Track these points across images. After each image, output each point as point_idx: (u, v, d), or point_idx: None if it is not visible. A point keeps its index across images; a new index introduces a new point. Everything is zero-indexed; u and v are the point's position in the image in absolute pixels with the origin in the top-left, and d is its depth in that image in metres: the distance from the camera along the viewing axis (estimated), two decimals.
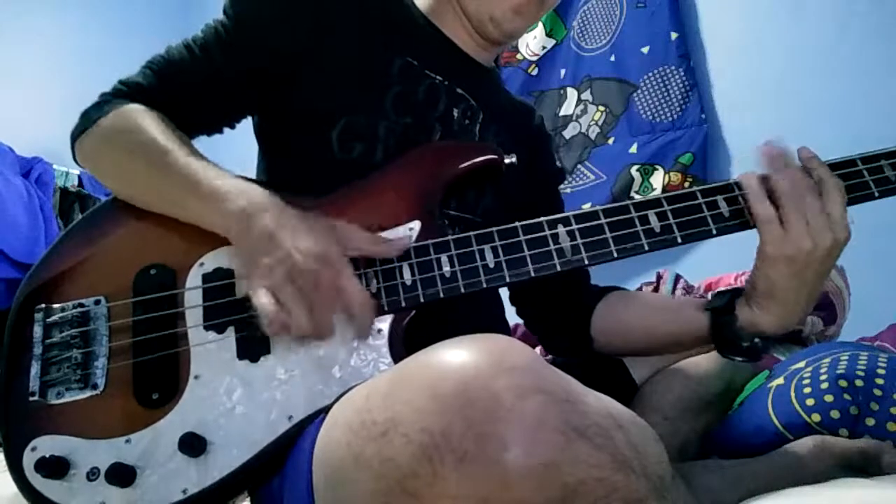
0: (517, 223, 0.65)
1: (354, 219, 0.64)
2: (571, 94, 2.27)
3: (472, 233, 0.64)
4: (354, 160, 0.72)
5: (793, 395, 0.73)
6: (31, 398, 0.59)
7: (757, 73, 1.89)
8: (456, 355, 0.42)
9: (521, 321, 0.95)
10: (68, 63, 2.98)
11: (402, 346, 0.61)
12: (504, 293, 0.90)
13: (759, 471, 0.66)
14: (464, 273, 0.63)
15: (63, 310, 0.62)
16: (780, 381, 0.78)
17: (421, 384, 0.42)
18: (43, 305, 0.62)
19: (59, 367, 0.60)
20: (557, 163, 1.01)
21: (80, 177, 2.70)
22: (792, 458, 0.67)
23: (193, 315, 0.62)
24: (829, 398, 0.70)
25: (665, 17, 2.04)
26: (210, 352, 0.60)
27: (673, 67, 2.02)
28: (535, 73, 2.38)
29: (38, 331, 0.61)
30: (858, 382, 0.70)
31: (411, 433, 0.39)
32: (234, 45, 0.73)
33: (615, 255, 0.63)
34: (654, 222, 0.64)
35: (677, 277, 1.46)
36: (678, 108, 2.01)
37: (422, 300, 0.62)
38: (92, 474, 0.56)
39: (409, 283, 0.62)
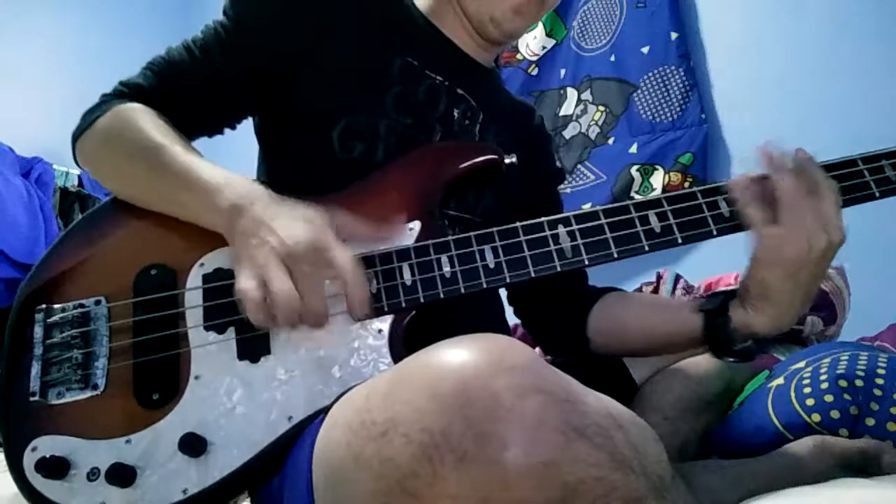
0: (517, 223, 0.65)
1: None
2: (571, 94, 2.27)
3: (472, 233, 0.64)
4: (355, 160, 0.72)
5: (793, 395, 0.73)
6: (31, 398, 0.59)
7: (757, 73, 1.89)
8: (456, 355, 0.42)
9: (520, 321, 0.95)
10: (68, 63, 2.98)
11: (402, 346, 0.61)
12: (503, 293, 0.90)
13: (759, 471, 0.66)
14: (464, 273, 0.63)
15: (63, 310, 0.62)
16: (780, 381, 0.78)
17: (421, 384, 0.42)
18: (43, 306, 0.62)
19: (59, 368, 0.60)
20: (557, 163, 1.01)
21: (80, 177, 2.70)
22: (792, 458, 0.67)
23: (194, 315, 0.62)
24: (829, 398, 0.70)
25: (665, 17, 2.04)
26: (210, 352, 0.60)
27: (673, 67, 2.02)
28: (535, 73, 2.38)
29: (38, 331, 0.61)
30: (858, 382, 0.70)
31: (411, 433, 0.39)
32: (234, 45, 0.73)
33: (615, 255, 0.63)
34: (655, 222, 0.64)
35: (677, 277, 1.46)
36: (678, 108, 2.01)
37: (422, 301, 0.62)
38: (92, 474, 0.56)
39: (409, 283, 0.62)
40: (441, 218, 0.72)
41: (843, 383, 0.71)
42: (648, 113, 2.07)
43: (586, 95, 2.23)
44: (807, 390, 0.72)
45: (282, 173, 0.78)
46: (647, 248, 0.64)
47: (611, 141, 2.15)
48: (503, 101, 0.92)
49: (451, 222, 0.76)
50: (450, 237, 0.64)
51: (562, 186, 1.02)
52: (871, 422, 0.68)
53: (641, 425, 0.43)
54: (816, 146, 0.65)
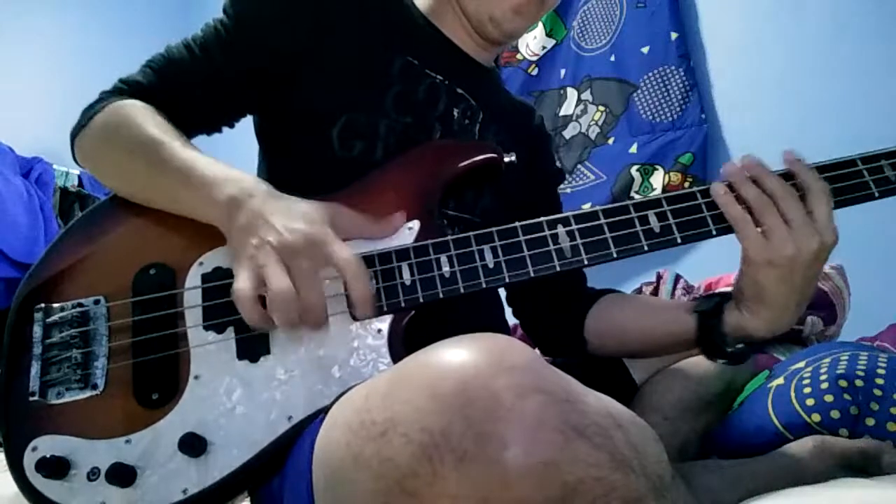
0: (517, 223, 0.64)
1: None
2: (571, 94, 2.27)
3: (471, 233, 0.64)
4: (355, 158, 0.72)
5: (793, 395, 0.73)
6: (31, 398, 0.59)
7: (757, 73, 1.89)
8: (455, 354, 0.42)
9: (518, 322, 0.95)
10: (68, 63, 2.98)
11: (402, 346, 0.61)
12: (502, 294, 0.90)
13: (759, 471, 0.66)
14: (463, 273, 0.63)
15: (63, 309, 0.62)
16: (780, 381, 0.78)
17: (420, 384, 0.42)
18: (42, 305, 0.62)
19: (58, 367, 0.60)
20: (557, 163, 1.01)
21: (80, 177, 2.71)
22: (792, 458, 0.67)
23: (193, 315, 0.62)
24: (829, 398, 0.70)
25: (665, 17, 2.04)
26: (210, 352, 0.60)
27: (673, 67, 2.02)
28: (535, 73, 2.38)
29: (37, 331, 0.61)
30: (858, 382, 0.70)
31: (411, 433, 0.39)
32: (234, 44, 0.73)
33: (615, 255, 0.63)
34: (654, 223, 0.64)
35: (677, 277, 1.46)
36: (678, 108, 2.01)
37: (421, 301, 0.62)
38: (92, 474, 0.56)
39: (408, 283, 0.62)
40: (440, 217, 0.72)
41: (843, 383, 0.71)
42: (648, 113, 2.07)
43: (586, 95, 2.23)
44: (807, 390, 0.72)
45: (281, 172, 0.78)
46: (646, 248, 0.63)
47: (611, 141, 2.15)
48: (503, 100, 0.92)
49: (451, 222, 0.76)
50: (449, 237, 0.64)
51: (562, 186, 1.02)
52: (871, 422, 0.68)
53: (641, 425, 0.43)
54: (816, 146, 0.65)
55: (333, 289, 0.59)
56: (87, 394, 0.59)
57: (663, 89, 2.03)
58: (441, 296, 0.62)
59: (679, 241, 0.64)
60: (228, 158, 0.65)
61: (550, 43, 2.35)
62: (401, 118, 0.74)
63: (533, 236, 0.64)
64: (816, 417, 0.69)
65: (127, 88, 0.73)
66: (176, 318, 0.62)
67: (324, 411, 0.54)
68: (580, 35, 2.27)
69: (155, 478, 0.56)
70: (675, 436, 0.79)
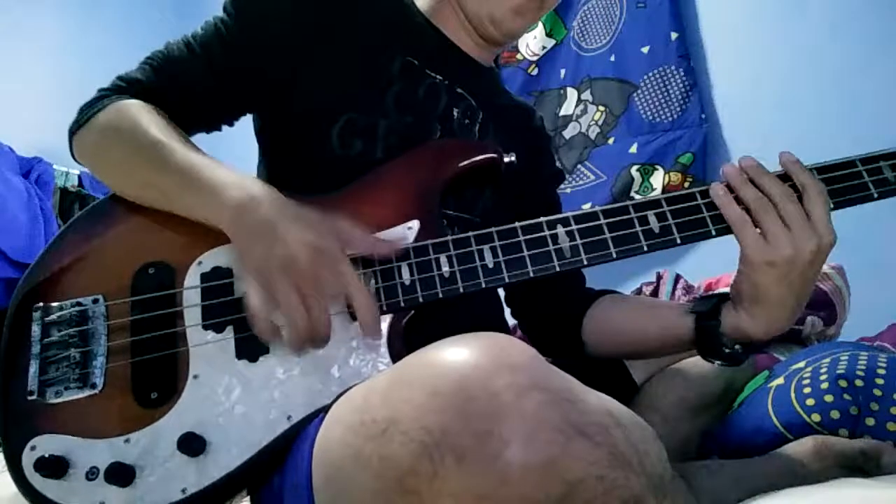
0: (516, 224, 0.64)
1: (354, 217, 0.64)
2: (571, 94, 2.27)
3: (471, 233, 0.64)
4: (355, 158, 0.72)
5: (793, 395, 0.73)
6: (29, 397, 0.59)
7: (757, 73, 1.89)
8: (455, 353, 0.42)
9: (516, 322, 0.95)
10: (68, 63, 2.98)
11: (402, 345, 0.61)
12: (501, 294, 0.90)
13: (759, 471, 0.66)
14: (463, 273, 0.63)
15: (61, 308, 0.62)
16: (780, 381, 0.78)
17: (420, 382, 0.42)
18: (41, 304, 0.62)
19: (57, 367, 0.60)
20: (557, 163, 1.01)
21: (80, 177, 2.70)
22: (792, 458, 0.66)
23: (192, 314, 0.62)
24: (829, 398, 0.70)
25: (665, 17, 2.04)
26: (209, 351, 0.60)
27: (673, 67, 2.02)
28: (535, 73, 2.38)
29: (36, 330, 0.61)
30: (858, 382, 0.70)
31: (411, 431, 0.39)
32: (234, 42, 0.73)
33: (614, 255, 0.63)
34: (654, 223, 0.64)
35: (677, 277, 1.46)
36: (678, 108, 2.01)
37: (421, 300, 0.62)
38: (91, 474, 0.56)
39: (407, 283, 0.62)
40: (440, 217, 0.72)
41: (843, 383, 0.71)
42: (648, 113, 2.07)
43: (586, 95, 2.23)
44: (807, 390, 0.72)
45: (281, 171, 0.78)
46: (645, 249, 0.63)
47: (611, 141, 2.15)
48: (503, 100, 0.92)
49: (450, 222, 0.76)
50: (449, 237, 0.64)
51: (562, 186, 1.02)
52: (871, 422, 0.68)
53: (641, 425, 0.43)
54: (816, 146, 0.65)
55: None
56: (86, 393, 0.59)
57: (663, 89, 2.03)
58: (440, 296, 0.62)
59: (678, 241, 0.64)
60: (228, 158, 0.64)
61: (550, 43, 2.35)
62: (401, 118, 0.74)
63: (532, 236, 0.64)
64: (816, 417, 0.69)
65: (126, 86, 0.72)
66: (175, 318, 0.62)
67: (323, 411, 0.54)
68: (580, 35, 2.27)
69: (154, 477, 0.55)
70: (675, 436, 0.79)
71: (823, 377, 0.73)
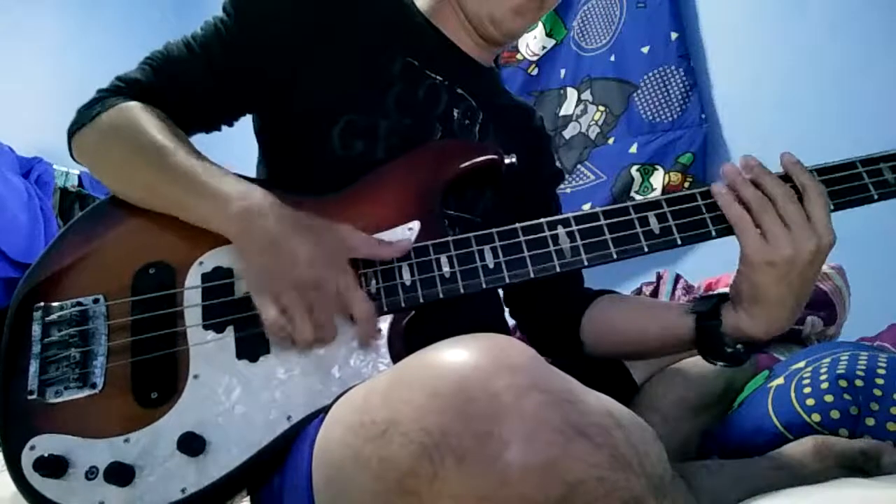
0: (517, 224, 0.64)
1: (354, 218, 0.64)
2: (571, 94, 2.27)
3: (471, 234, 0.64)
4: (355, 158, 0.72)
5: (793, 395, 0.73)
6: (29, 397, 0.59)
7: (757, 73, 1.89)
8: (455, 354, 0.42)
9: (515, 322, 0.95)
10: (68, 63, 2.97)
11: (402, 346, 0.61)
12: (501, 293, 0.90)
13: (759, 471, 0.66)
14: (463, 274, 0.63)
15: (62, 308, 0.62)
16: (780, 381, 0.78)
17: (420, 383, 0.42)
18: (42, 304, 0.62)
19: (57, 366, 0.60)
20: (557, 163, 1.01)
21: (80, 177, 2.70)
22: (792, 458, 0.66)
23: (192, 314, 0.62)
24: (829, 398, 0.70)
25: (665, 17, 2.04)
26: (209, 351, 0.60)
27: (673, 67, 2.02)
28: (535, 73, 2.38)
29: (36, 329, 0.61)
30: (858, 382, 0.70)
31: (411, 432, 0.39)
32: (234, 43, 0.73)
33: (615, 256, 0.63)
34: (654, 224, 0.64)
35: (677, 277, 1.46)
36: (678, 108, 2.01)
37: (421, 301, 0.62)
38: (91, 473, 0.56)
39: (408, 283, 0.62)
40: (441, 217, 0.72)
41: (843, 383, 0.71)
42: (648, 113, 2.07)
43: (586, 95, 2.23)
44: (807, 390, 0.72)
45: (281, 171, 0.78)
46: (646, 249, 0.63)
47: (611, 141, 2.15)
48: (503, 101, 0.92)
49: (451, 222, 0.76)
50: (449, 237, 0.64)
51: (562, 186, 1.02)
52: (871, 422, 0.68)
53: (642, 425, 0.43)
54: (816, 146, 0.65)
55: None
56: (86, 393, 0.59)
57: (663, 89, 2.03)
58: (441, 296, 0.62)
59: (679, 242, 0.64)
60: (228, 158, 0.65)
61: (550, 43, 2.35)
62: (401, 118, 0.74)
63: (533, 237, 0.64)
64: (816, 417, 0.69)
65: (125, 87, 0.72)
66: (175, 318, 0.62)
67: (323, 411, 0.54)
68: (580, 35, 2.27)
69: (153, 477, 0.55)
70: (675, 436, 0.79)
71: (823, 377, 0.73)
